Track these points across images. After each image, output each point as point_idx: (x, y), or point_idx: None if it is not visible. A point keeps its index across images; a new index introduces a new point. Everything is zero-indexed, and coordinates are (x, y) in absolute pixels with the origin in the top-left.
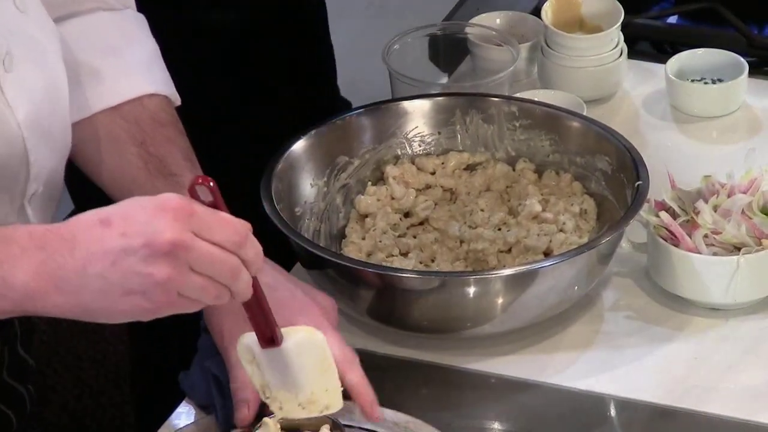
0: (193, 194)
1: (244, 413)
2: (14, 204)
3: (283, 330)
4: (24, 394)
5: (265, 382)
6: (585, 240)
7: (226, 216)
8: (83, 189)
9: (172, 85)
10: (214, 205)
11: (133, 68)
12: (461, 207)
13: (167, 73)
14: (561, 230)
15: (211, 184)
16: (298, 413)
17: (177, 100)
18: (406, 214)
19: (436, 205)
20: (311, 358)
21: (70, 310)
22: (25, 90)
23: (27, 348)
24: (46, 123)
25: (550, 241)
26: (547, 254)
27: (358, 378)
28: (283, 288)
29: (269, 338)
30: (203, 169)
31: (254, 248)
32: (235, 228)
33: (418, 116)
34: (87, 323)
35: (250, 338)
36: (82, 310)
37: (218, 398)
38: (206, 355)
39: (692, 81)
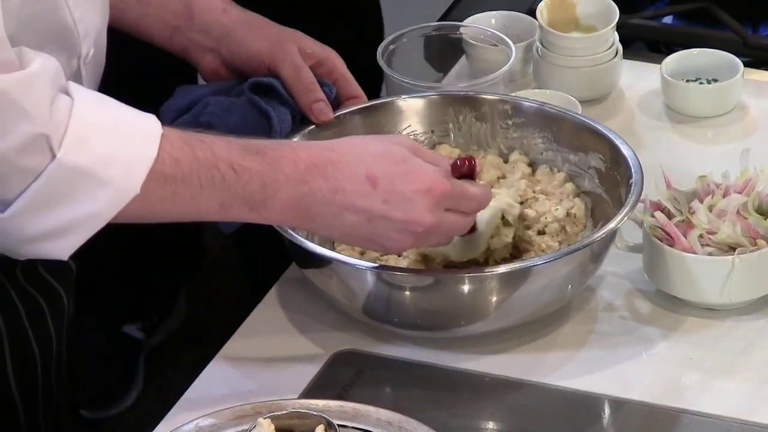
0: (455, 166)
1: (326, 109)
2: (72, 66)
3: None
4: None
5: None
6: (562, 246)
7: (472, 191)
8: None
9: None
10: (470, 171)
11: None
12: None
13: None
14: (542, 232)
15: (469, 160)
16: None
17: None
18: None
19: None
20: (493, 223)
21: (316, 233)
22: None
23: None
24: None
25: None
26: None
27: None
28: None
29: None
30: None
31: (488, 202)
32: (478, 201)
33: (411, 115)
34: None
35: None
36: (326, 237)
37: (275, 105)
38: (222, 89)
39: (687, 81)
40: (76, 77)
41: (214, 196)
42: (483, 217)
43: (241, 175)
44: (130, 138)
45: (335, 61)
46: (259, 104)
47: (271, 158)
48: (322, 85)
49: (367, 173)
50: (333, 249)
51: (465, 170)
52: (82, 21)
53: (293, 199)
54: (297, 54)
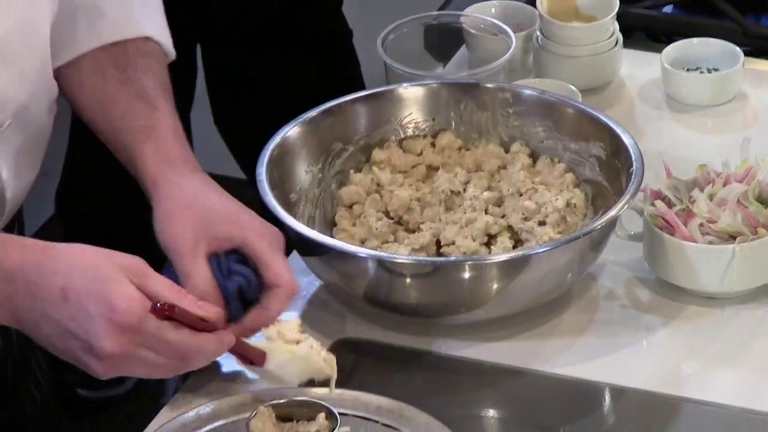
0: (154, 310)
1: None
2: None
3: (264, 346)
4: None
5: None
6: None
7: (173, 338)
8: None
9: (169, 37)
10: (170, 318)
11: (134, 11)
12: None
13: (166, 26)
14: (543, 222)
15: (172, 311)
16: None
17: (171, 53)
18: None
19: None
20: (296, 370)
21: (27, 335)
22: None
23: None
24: (18, 56)
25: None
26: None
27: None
28: (243, 212)
29: (250, 362)
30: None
31: (206, 356)
32: (181, 349)
33: (412, 103)
34: None
35: None
36: (37, 342)
37: None
38: None
39: (688, 70)
40: None
41: None
42: (275, 357)
43: None
44: None
45: (253, 244)
46: None
47: None
48: (240, 273)
49: (63, 285)
50: (333, 236)
51: (162, 316)
52: (0, 92)
53: (1, 297)
54: (197, 264)
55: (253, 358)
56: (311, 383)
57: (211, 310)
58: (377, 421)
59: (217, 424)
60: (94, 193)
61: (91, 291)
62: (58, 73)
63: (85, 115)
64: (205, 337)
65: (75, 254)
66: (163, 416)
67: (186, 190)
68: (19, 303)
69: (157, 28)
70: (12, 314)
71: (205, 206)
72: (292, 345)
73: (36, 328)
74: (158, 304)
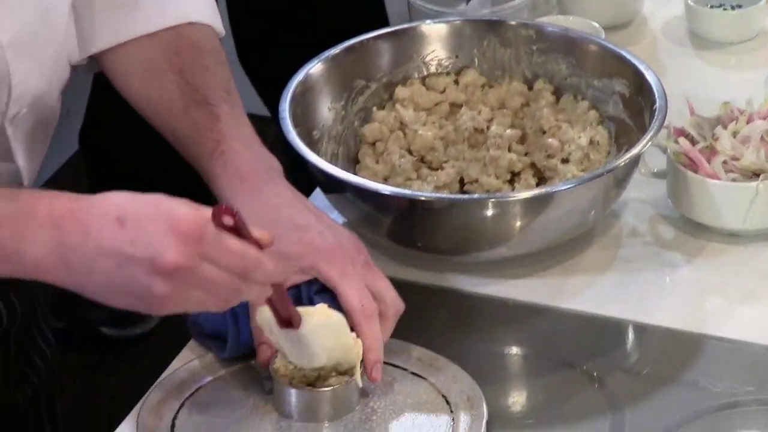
0: (215, 216)
1: (267, 354)
2: None
3: (301, 310)
4: None
5: (281, 347)
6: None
7: (234, 245)
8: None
9: (217, 14)
10: (234, 229)
11: None
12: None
13: (213, 2)
14: (566, 160)
15: (233, 214)
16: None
17: (221, 30)
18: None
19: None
20: (328, 339)
21: (75, 287)
22: (12, 12)
23: None
24: (36, 47)
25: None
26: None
27: (370, 333)
28: (313, 229)
29: (287, 322)
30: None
31: (264, 273)
32: (241, 258)
33: (435, 40)
34: None
35: (269, 312)
36: (86, 291)
37: (232, 327)
38: None
39: (711, 7)
40: (0, 132)
41: None
42: (311, 319)
43: None
44: None
45: (321, 273)
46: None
47: (25, 202)
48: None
49: (117, 214)
50: (356, 173)
51: (222, 226)
52: (19, 85)
53: (48, 246)
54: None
55: (291, 316)
56: None
57: (266, 232)
58: (406, 369)
59: (239, 365)
60: (118, 155)
61: (150, 212)
62: (97, 57)
63: (135, 105)
64: (263, 253)
65: (123, 194)
66: (185, 356)
67: (258, 210)
68: (69, 245)
69: (200, 8)
70: (62, 260)
71: (275, 234)
72: (327, 311)
73: (90, 268)
74: (220, 209)
